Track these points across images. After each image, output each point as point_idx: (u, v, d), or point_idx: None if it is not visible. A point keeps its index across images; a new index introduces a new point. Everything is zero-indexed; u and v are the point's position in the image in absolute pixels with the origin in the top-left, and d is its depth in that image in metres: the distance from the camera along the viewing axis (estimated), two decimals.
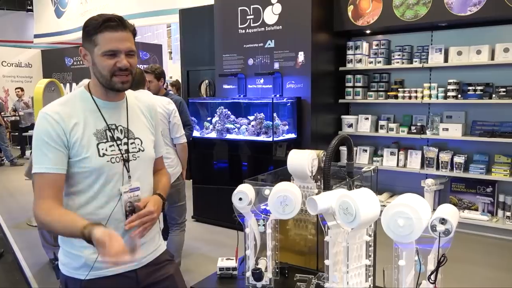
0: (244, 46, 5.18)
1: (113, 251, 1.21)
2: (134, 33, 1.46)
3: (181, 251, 3.40)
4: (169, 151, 3.20)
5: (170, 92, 4.32)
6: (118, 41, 1.38)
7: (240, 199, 1.56)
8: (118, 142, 1.47)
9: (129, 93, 1.60)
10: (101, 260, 1.27)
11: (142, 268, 1.53)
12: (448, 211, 1.21)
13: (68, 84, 11.56)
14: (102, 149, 1.43)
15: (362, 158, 5.24)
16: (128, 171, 1.47)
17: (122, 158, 1.47)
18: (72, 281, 1.46)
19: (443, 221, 1.16)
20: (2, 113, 9.73)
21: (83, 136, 1.40)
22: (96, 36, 1.37)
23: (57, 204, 1.38)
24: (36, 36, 13.71)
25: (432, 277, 1.19)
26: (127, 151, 1.49)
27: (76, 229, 1.30)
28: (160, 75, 3.62)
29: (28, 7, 16.34)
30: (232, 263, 1.75)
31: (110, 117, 1.48)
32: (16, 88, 10.51)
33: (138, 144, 1.53)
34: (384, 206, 1.19)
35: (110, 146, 1.45)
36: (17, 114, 10.43)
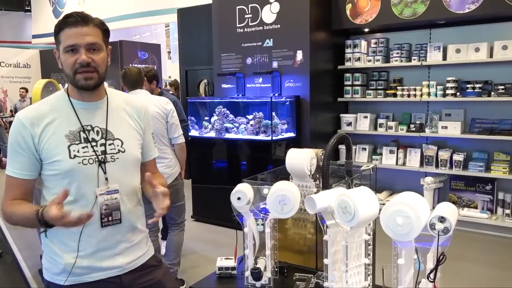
0: (243, 45, 5.18)
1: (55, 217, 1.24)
2: (101, 27, 1.42)
3: (180, 251, 3.40)
4: (167, 151, 3.20)
5: (168, 91, 4.31)
6: (77, 36, 1.36)
7: (239, 198, 1.55)
8: (93, 143, 1.43)
9: (114, 93, 1.57)
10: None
11: (127, 274, 1.50)
12: (447, 209, 1.21)
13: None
14: (74, 150, 1.40)
15: (361, 156, 5.23)
16: (105, 173, 1.43)
17: (97, 159, 1.43)
18: (53, 286, 1.45)
19: (442, 219, 1.16)
20: (1, 114, 9.71)
21: (53, 138, 1.39)
22: (59, 35, 1.38)
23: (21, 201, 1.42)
24: (34, 36, 13.71)
25: (432, 275, 1.18)
26: (104, 152, 1.44)
27: (31, 213, 1.32)
28: (152, 78, 3.60)
29: (26, 8, 16.33)
30: (231, 263, 1.74)
31: (86, 118, 1.45)
32: (20, 88, 10.49)
33: (117, 145, 1.48)
34: (383, 204, 1.19)
35: (83, 147, 1.41)
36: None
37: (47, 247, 1.47)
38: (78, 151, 1.40)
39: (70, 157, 1.39)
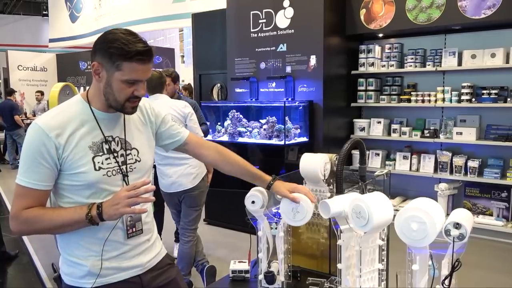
0: (256, 50, 5.20)
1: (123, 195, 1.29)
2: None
3: (192, 260, 3.39)
4: None
5: (182, 95, 4.36)
6: (143, 72, 1.37)
7: (253, 202, 1.57)
8: (115, 154, 1.43)
9: None
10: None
11: (146, 273, 1.53)
12: (462, 215, 1.20)
13: (82, 88, 11.70)
14: (98, 162, 1.39)
15: (374, 162, 5.21)
16: (128, 184, 1.44)
17: (120, 170, 1.44)
18: None
19: (457, 225, 1.16)
20: (20, 115, 9.86)
21: (78, 149, 1.36)
22: (122, 63, 1.33)
23: None
24: (51, 40, 13.94)
25: (446, 282, 1.18)
26: (124, 163, 1.45)
27: (78, 214, 1.32)
28: (176, 78, 3.70)
29: (44, 12, 16.67)
30: (245, 266, 1.76)
31: (107, 128, 1.44)
32: (36, 92, 10.67)
33: (134, 155, 1.50)
34: (397, 210, 1.19)
35: (106, 159, 1.41)
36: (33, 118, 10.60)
37: (67, 252, 1.45)
38: (102, 163, 1.40)
39: (95, 169, 1.38)
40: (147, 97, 3.23)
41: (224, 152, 1.71)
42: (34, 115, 10.61)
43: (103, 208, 1.31)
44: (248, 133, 4.87)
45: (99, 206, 1.31)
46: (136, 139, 1.52)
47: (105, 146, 1.42)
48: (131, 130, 1.51)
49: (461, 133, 4.61)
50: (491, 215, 4.55)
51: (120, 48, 1.32)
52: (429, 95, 4.78)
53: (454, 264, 1.17)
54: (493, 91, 4.42)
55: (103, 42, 1.35)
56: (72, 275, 1.45)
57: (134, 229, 1.48)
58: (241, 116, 4.95)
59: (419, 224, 1.16)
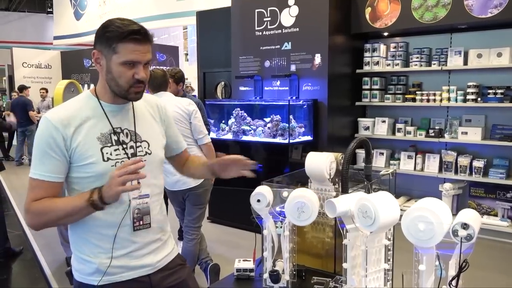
0: (261, 48, 5.19)
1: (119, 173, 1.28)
2: (152, 42, 1.44)
3: (196, 258, 3.40)
4: (194, 150, 3.19)
5: (189, 94, 4.36)
6: (140, 53, 1.36)
7: (258, 200, 1.56)
8: (124, 145, 1.44)
9: None
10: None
11: (156, 273, 1.52)
12: (470, 216, 1.19)
13: (86, 85, 11.73)
14: (107, 153, 1.39)
15: (378, 161, 5.19)
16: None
17: None
18: (85, 287, 1.45)
19: (465, 226, 1.14)
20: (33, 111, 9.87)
21: (86, 140, 1.37)
22: (117, 45, 1.34)
23: None
24: (55, 37, 13.98)
25: (454, 282, 1.17)
26: (134, 154, 1.45)
27: (79, 196, 1.34)
28: (179, 79, 3.68)
29: (48, 9, 16.72)
30: (250, 265, 1.75)
31: (116, 120, 1.45)
32: (41, 89, 10.70)
33: (145, 147, 1.50)
34: (401, 210, 1.18)
35: (115, 150, 1.41)
36: (40, 115, 10.61)
37: (77, 249, 1.46)
38: (110, 154, 1.40)
39: (104, 160, 1.39)
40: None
41: (189, 161, 1.82)
42: (39, 112, 10.64)
43: (102, 190, 1.31)
44: (252, 131, 4.86)
45: (100, 189, 1.32)
46: (147, 132, 1.52)
47: (114, 137, 1.43)
48: (141, 123, 1.52)
49: (466, 133, 4.58)
50: (496, 215, 4.52)
51: (114, 30, 1.35)
52: (434, 95, 4.76)
53: (462, 265, 1.16)
54: (499, 91, 4.40)
55: (101, 30, 1.39)
56: (81, 271, 1.45)
57: (141, 222, 1.46)
58: (245, 114, 4.94)
59: (426, 224, 1.15)
